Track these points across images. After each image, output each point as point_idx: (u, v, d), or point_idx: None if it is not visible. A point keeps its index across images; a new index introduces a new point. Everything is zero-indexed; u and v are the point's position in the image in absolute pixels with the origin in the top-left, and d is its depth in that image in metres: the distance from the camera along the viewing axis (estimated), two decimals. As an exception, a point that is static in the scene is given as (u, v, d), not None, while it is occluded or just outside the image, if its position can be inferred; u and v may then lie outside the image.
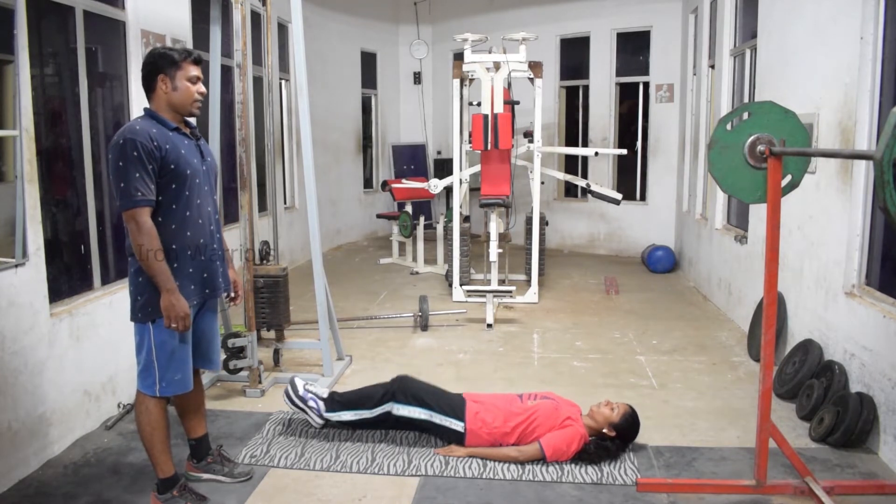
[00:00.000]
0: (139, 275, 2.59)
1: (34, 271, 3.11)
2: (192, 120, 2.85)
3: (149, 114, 2.66)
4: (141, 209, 2.51)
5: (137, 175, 2.48)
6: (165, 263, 2.54)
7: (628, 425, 3.26)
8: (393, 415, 3.33)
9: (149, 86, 2.66)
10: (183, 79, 2.64)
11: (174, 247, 2.62)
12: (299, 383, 3.48)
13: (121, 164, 2.49)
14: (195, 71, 2.67)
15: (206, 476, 3.01)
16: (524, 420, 3.25)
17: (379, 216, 9.49)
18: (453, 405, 3.31)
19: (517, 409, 3.30)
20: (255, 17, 5.47)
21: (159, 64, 2.63)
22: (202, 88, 2.71)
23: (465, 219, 6.65)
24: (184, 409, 2.98)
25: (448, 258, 6.67)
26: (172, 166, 2.58)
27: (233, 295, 3.06)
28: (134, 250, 2.54)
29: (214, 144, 4.19)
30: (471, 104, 7.02)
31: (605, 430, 3.24)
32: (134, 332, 2.66)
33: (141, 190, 2.49)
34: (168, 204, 2.60)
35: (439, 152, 10.55)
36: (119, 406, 3.69)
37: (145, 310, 2.60)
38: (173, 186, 2.60)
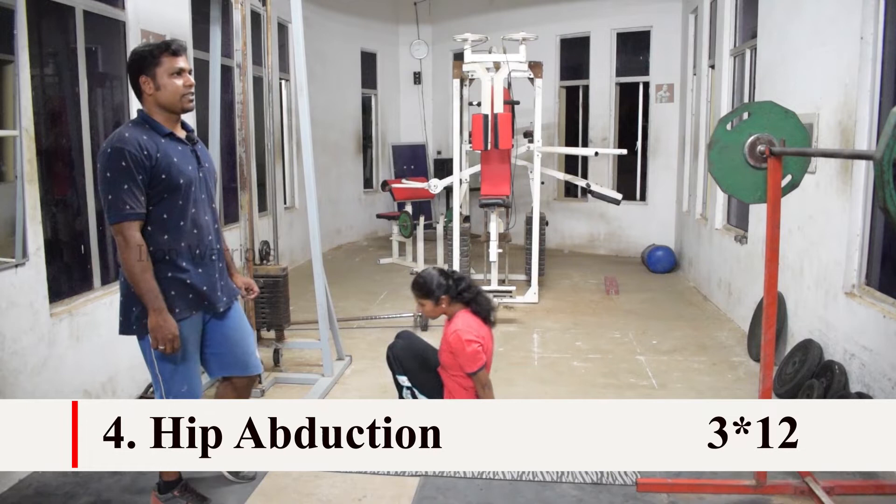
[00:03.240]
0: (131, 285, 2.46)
1: (34, 271, 3.11)
2: (191, 122, 2.75)
3: (142, 117, 2.51)
4: (129, 223, 2.37)
5: (126, 187, 2.35)
6: (154, 281, 2.41)
7: (428, 286, 3.29)
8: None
9: (136, 90, 2.51)
10: (165, 75, 2.45)
11: (168, 258, 2.49)
12: None
13: (108, 174, 2.35)
14: (179, 63, 2.48)
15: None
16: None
17: (379, 216, 9.49)
18: (434, 387, 3.37)
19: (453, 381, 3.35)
20: (255, 17, 5.46)
21: (138, 65, 2.46)
22: (190, 80, 2.51)
23: (465, 219, 6.64)
24: None
25: (448, 258, 6.67)
26: (164, 176, 2.43)
27: (250, 295, 2.96)
28: (122, 265, 2.42)
29: (214, 145, 4.19)
30: (471, 104, 7.02)
31: (444, 307, 3.31)
32: (139, 344, 2.57)
33: (129, 203, 2.36)
34: (160, 214, 2.47)
35: (439, 152, 10.55)
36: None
37: (140, 321, 2.48)
38: (165, 196, 2.46)
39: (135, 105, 3.97)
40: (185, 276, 2.53)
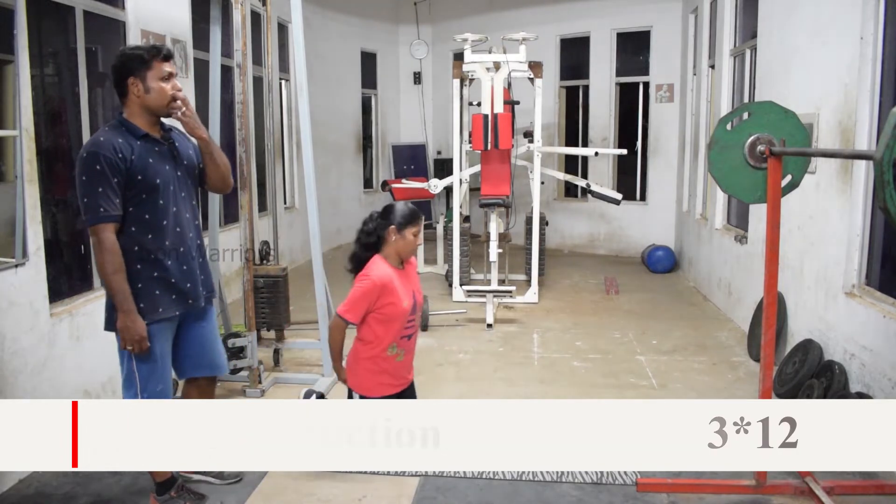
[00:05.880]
0: None
1: (34, 271, 3.11)
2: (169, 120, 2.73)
3: (119, 120, 2.54)
4: (104, 225, 2.42)
5: (101, 190, 2.40)
6: (126, 283, 2.46)
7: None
8: None
9: (121, 90, 2.53)
10: (155, 79, 2.50)
11: (154, 257, 2.53)
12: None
13: (84, 178, 2.40)
14: (168, 68, 2.53)
15: (196, 477, 2.99)
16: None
17: (379, 216, 9.48)
18: None
19: None
20: (255, 17, 5.47)
21: (128, 66, 2.49)
22: (178, 85, 2.57)
23: (465, 219, 6.64)
24: None
25: (448, 258, 6.66)
26: (140, 177, 2.47)
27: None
28: (96, 266, 2.46)
29: (214, 144, 4.18)
30: (471, 104, 7.02)
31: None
32: (116, 341, 2.60)
33: (104, 206, 2.40)
34: (142, 214, 2.50)
35: (439, 152, 10.55)
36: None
37: None
38: (144, 196, 2.50)
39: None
40: (168, 275, 2.58)
